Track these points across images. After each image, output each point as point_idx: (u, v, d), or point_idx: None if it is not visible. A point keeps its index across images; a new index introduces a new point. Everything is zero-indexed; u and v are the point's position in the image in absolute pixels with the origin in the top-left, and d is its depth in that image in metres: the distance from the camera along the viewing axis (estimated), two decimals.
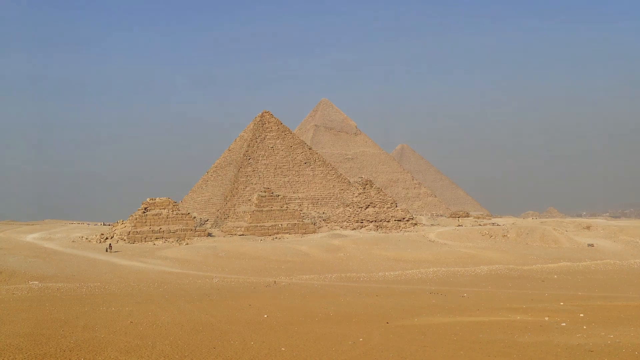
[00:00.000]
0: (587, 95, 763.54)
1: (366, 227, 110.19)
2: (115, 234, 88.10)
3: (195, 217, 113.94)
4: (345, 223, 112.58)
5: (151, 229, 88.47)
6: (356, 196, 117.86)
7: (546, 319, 23.59)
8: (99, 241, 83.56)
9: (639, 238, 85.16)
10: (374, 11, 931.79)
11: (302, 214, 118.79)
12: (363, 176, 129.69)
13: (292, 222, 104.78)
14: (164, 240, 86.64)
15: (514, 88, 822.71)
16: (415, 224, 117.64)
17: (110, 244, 75.12)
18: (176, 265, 57.60)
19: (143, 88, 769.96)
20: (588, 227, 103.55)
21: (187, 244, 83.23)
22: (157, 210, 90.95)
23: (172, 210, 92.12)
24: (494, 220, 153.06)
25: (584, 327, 21.28)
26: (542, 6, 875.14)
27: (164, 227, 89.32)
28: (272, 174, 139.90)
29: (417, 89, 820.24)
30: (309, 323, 23.42)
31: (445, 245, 78.29)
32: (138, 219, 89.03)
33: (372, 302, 30.62)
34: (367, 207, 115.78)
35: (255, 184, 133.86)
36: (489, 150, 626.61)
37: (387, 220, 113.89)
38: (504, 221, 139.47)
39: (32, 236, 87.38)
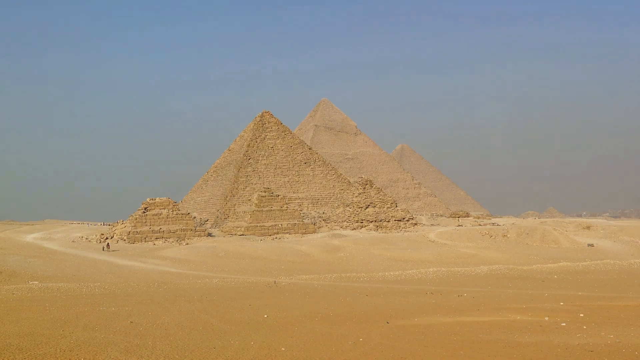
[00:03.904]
0: (587, 95, 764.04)
1: (366, 227, 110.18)
2: (115, 234, 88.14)
3: (195, 217, 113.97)
4: (345, 223, 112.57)
5: (151, 229, 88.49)
6: (356, 196, 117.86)
7: (546, 319, 23.59)
8: (99, 241, 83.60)
9: (639, 238, 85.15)
10: (375, 11, 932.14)
11: (302, 214, 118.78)
12: (363, 176, 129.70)
13: (292, 222, 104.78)
14: (164, 240, 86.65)
15: (514, 87, 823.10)
16: (415, 224, 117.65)
17: (108, 243, 75.21)
18: (176, 265, 57.60)
19: (143, 88, 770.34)
20: (588, 227, 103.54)
21: (187, 244, 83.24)
22: (157, 210, 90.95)
23: (172, 210, 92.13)
24: (494, 220, 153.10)
25: (584, 327, 21.27)
26: (543, 6, 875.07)
27: (164, 227, 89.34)
28: (272, 174, 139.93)
29: (417, 89, 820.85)
30: (309, 323, 23.42)
31: (445, 245, 78.28)
32: (138, 219, 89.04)
33: (372, 302, 30.61)
34: (367, 207, 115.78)
35: (255, 184, 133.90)
36: (490, 150, 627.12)
37: (387, 220, 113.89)
38: (504, 221, 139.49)
39: (32, 236, 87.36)
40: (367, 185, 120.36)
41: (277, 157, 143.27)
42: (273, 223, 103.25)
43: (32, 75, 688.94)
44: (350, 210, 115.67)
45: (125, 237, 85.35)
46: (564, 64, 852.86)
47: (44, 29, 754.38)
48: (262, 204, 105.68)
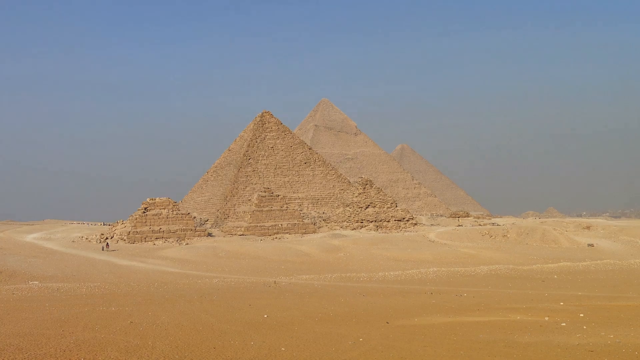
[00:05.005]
0: (587, 95, 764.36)
1: (366, 227, 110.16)
2: (115, 234, 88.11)
3: (195, 217, 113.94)
4: (345, 223, 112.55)
5: (151, 229, 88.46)
6: (356, 196, 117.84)
7: (546, 319, 23.59)
8: (98, 241, 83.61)
9: (639, 238, 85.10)
10: (374, 11, 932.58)
11: (302, 214, 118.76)
12: (363, 176, 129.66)
13: (292, 222, 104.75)
14: (164, 240, 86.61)
15: (514, 87, 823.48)
16: (415, 224, 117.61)
17: (107, 243, 75.28)
18: (176, 265, 57.58)
19: (143, 88, 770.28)
20: (588, 227, 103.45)
21: (187, 244, 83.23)
22: (157, 210, 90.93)
23: (172, 210, 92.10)
24: (494, 220, 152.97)
25: (584, 327, 21.27)
26: (543, 6, 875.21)
27: (164, 227, 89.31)
28: (272, 174, 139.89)
29: (417, 89, 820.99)
30: (309, 323, 23.41)
31: (445, 245, 78.25)
32: (138, 219, 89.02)
33: (372, 302, 30.60)
34: (367, 207, 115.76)
35: (255, 184, 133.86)
36: (489, 150, 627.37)
37: (387, 220, 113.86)
38: (504, 221, 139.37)
39: (32, 236, 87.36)
40: (367, 185, 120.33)
41: (277, 157, 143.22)
42: (273, 223, 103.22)
43: (32, 75, 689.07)
44: (350, 210, 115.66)
45: (125, 237, 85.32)
46: (564, 64, 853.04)
47: (44, 28, 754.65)
48: (262, 204, 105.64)
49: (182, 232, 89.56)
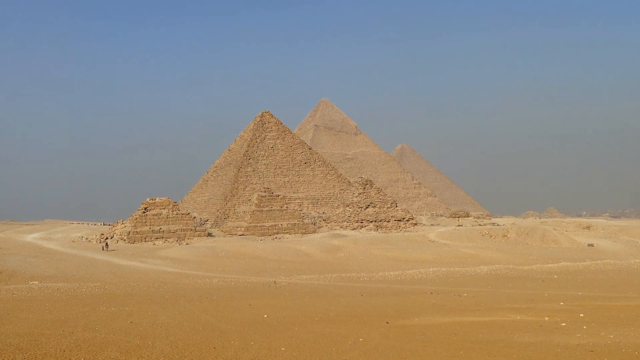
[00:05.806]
0: (587, 95, 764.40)
1: (366, 227, 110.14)
2: (115, 234, 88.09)
3: (195, 217, 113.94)
4: (345, 223, 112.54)
5: (151, 229, 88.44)
6: (356, 196, 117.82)
7: (546, 319, 23.59)
8: (99, 241, 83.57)
9: (639, 238, 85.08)
10: (374, 10, 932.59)
11: (302, 214, 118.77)
12: (363, 176, 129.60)
13: (292, 222, 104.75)
14: (164, 240, 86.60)
15: (514, 87, 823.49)
16: (415, 224, 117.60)
17: (107, 243, 75.29)
18: (176, 265, 57.57)
19: (143, 88, 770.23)
20: (588, 227, 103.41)
21: (187, 244, 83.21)
22: (157, 210, 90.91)
23: (172, 210, 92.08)
24: (494, 220, 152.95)
25: (584, 327, 21.27)
26: (543, 6, 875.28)
27: (164, 227, 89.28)
28: (272, 174, 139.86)
29: (417, 89, 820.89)
30: (309, 323, 23.42)
31: (445, 245, 78.25)
32: (138, 219, 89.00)
33: (372, 302, 30.61)
34: (367, 207, 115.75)
35: (255, 184, 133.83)
36: (489, 150, 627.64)
37: (387, 220, 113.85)
38: (504, 221, 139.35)
39: (32, 236, 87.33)
40: (367, 185, 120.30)
41: (277, 157, 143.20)
42: (273, 223, 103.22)
43: (32, 75, 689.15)
44: (350, 210, 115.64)
45: (125, 237, 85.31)
46: (564, 64, 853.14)
47: (44, 28, 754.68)
48: (262, 204, 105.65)
49: (182, 232, 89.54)
